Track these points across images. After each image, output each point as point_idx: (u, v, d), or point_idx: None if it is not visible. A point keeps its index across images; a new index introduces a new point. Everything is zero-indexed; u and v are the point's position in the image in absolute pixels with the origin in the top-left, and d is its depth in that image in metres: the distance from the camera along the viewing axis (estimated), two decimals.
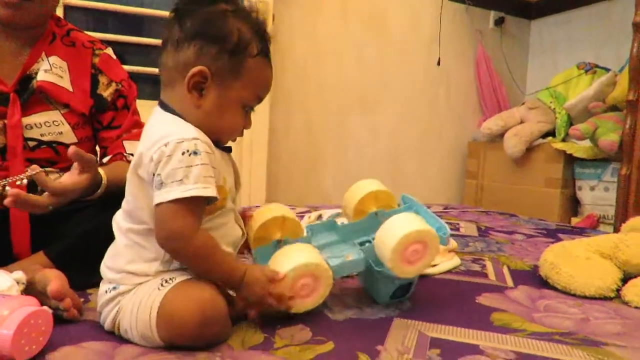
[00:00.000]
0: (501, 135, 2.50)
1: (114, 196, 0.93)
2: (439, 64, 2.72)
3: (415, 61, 2.70)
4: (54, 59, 0.97)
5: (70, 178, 0.84)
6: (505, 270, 1.16)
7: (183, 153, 0.63)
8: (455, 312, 0.85)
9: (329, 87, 2.50)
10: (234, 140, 0.76)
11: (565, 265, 1.02)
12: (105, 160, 1.06)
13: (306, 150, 2.44)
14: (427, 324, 0.79)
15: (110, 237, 0.80)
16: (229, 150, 0.76)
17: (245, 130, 0.76)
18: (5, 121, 0.91)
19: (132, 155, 1.04)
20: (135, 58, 1.93)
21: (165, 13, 2.26)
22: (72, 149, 0.80)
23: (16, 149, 0.91)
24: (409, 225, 0.77)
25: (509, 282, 1.07)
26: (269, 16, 2.07)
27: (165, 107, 0.72)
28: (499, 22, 2.88)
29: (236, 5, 0.71)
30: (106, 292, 0.70)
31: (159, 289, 0.65)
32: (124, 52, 1.12)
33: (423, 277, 1.07)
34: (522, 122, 2.48)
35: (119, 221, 0.72)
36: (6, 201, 0.75)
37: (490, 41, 2.89)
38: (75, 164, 0.84)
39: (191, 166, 0.62)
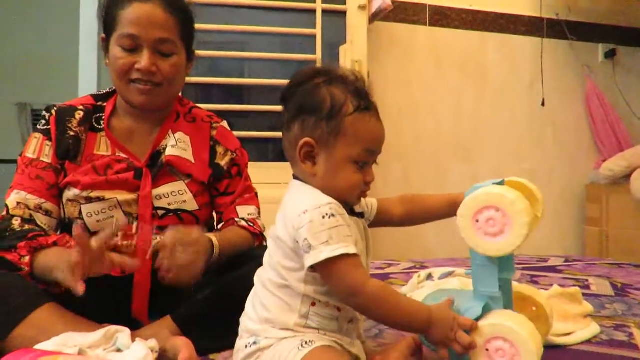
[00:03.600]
0: (626, 176, 2.25)
1: (228, 261, 0.98)
2: (543, 104, 2.57)
3: (516, 103, 2.58)
4: (179, 135, 1.06)
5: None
6: None
7: (323, 217, 0.68)
8: None
9: (426, 136, 2.47)
10: (364, 196, 0.79)
11: None
12: (219, 226, 1.12)
13: None
14: None
15: (230, 302, 0.83)
16: (360, 215, 0.79)
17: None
18: (139, 193, 1.00)
19: (243, 219, 1.10)
20: (238, 123, 2.08)
21: (263, 81, 2.39)
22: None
23: (146, 217, 1.00)
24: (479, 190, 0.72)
25: None
26: (364, 74, 2.13)
27: (297, 179, 0.78)
28: (610, 54, 2.67)
29: (329, 74, 0.75)
30: (246, 346, 0.72)
31: (299, 349, 0.67)
32: (226, 117, 1.21)
33: (557, 347, 0.95)
34: None
35: (261, 273, 0.77)
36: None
37: (602, 75, 2.68)
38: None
39: (332, 228, 0.67)
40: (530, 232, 0.69)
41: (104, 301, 0.91)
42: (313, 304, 0.71)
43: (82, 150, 1.01)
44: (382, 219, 0.87)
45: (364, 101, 0.74)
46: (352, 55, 2.14)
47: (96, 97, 1.08)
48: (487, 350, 0.70)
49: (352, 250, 0.67)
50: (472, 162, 2.51)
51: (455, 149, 2.50)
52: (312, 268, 0.68)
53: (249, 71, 2.26)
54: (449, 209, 0.86)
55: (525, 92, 2.59)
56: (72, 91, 2.09)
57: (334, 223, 0.67)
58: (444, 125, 2.49)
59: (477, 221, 0.71)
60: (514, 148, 2.58)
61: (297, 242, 0.69)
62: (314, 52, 2.15)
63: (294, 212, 0.70)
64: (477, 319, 0.72)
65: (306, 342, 0.67)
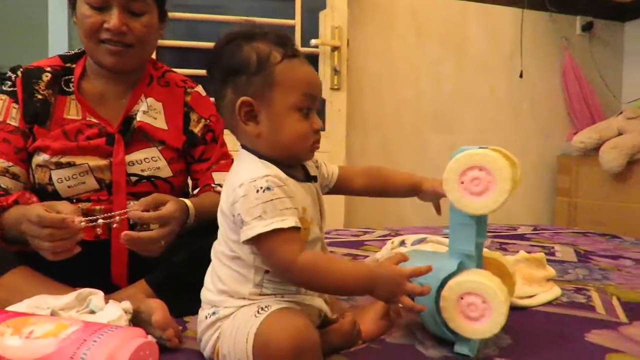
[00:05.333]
0: (596, 148, 2.31)
1: (205, 225, 0.98)
2: (521, 76, 2.59)
3: (495, 75, 2.60)
4: (150, 101, 1.04)
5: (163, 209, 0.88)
6: (616, 302, 1.04)
7: (257, 191, 0.66)
8: (564, 352, 0.78)
9: (405, 106, 2.47)
10: (316, 148, 0.77)
11: None
12: (195, 192, 1.11)
13: None
14: None
15: (205, 265, 0.84)
16: (314, 179, 0.78)
17: (325, 152, 0.76)
18: (111, 159, 0.99)
19: (219, 185, 1.10)
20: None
21: None
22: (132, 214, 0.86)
23: (120, 184, 0.99)
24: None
25: (622, 316, 0.96)
26: (343, 42, 2.10)
27: (244, 147, 0.76)
28: (587, 27, 2.69)
29: (247, 33, 0.73)
30: (206, 317, 0.72)
31: (255, 315, 0.67)
32: (204, 82, 1.19)
33: (521, 309, 0.99)
34: (620, 133, 2.28)
35: (215, 245, 0.77)
36: (121, 241, 0.81)
37: (579, 48, 2.71)
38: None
39: (267, 202, 0.65)
40: (512, 193, 0.71)
41: (84, 267, 0.91)
42: (267, 272, 0.71)
43: (51, 115, 0.98)
44: (342, 187, 0.87)
45: (289, 49, 0.73)
46: (332, 22, 2.11)
47: (64, 58, 1.04)
48: (460, 304, 0.73)
49: (287, 224, 0.65)
50: (451, 133, 2.54)
51: (434, 120, 2.52)
52: (250, 241, 0.67)
53: None
54: (409, 192, 0.89)
55: (505, 63, 2.61)
56: (42, 52, 2.02)
57: (268, 197, 0.65)
58: (423, 95, 2.49)
59: (463, 182, 0.74)
60: (491, 119, 2.61)
61: (234, 216, 0.68)
62: (293, 17, 2.11)
63: (231, 186, 0.69)
64: (452, 275, 0.75)
65: (262, 309, 0.67)
